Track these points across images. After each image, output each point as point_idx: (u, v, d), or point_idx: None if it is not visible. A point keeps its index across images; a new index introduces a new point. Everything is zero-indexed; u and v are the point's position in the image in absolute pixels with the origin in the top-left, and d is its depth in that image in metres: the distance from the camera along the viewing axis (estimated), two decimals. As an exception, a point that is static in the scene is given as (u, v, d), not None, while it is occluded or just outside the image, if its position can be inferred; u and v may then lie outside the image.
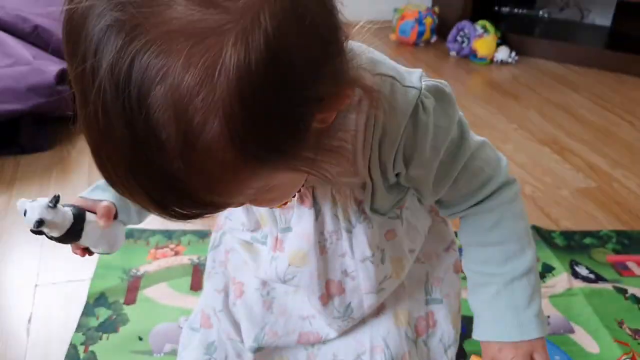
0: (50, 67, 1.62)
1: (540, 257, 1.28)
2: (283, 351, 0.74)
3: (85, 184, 1.47)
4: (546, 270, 1.24)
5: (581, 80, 2.36)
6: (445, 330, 0.74)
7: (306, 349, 0.74)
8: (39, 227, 0.59)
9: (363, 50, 0.51)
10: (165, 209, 0.40)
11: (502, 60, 2.48)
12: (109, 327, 1.07)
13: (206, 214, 0.42)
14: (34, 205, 0.60)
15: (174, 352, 1.01)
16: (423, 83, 0.53)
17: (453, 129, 0.56)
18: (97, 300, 1.13)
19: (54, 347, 1.02)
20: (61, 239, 0.63)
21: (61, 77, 1.60)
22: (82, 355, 1.01)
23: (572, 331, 1.09)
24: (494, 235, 0.61)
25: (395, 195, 0.61)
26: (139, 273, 1.20)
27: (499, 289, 0.61)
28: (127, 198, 0.40)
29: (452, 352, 0.75)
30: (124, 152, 0.36)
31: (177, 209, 0.40)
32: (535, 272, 0.61)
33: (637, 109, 2.11)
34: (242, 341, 0.73)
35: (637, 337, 1.08)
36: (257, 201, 0.51)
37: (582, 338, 1.08)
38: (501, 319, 0.62)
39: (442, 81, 0.56)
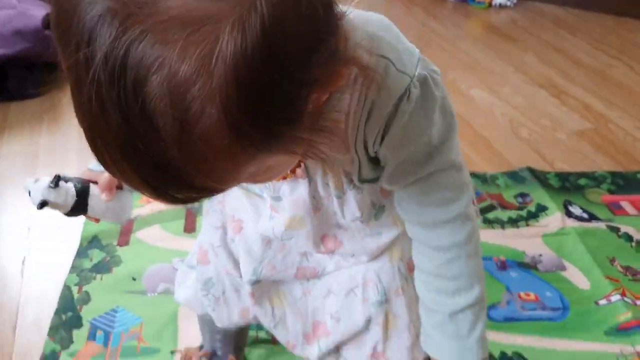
0: (36, 11, 1.58)
1: (534, 197, 1.28)
2: (280, 285, 0.76)
3: (76, 131, 1.45)
4: (539, 210, 1.24)
5: (580, 23, 2.31)
6: None
7: (302, 284, 0.75)
8: (42, 208, 0.60)
9: (361, 21, 0.50)
10: (161, 194, 0.40)
11: (500, 4, 2.42)
12: (103, 268, 1.07)
13: (202, 197, 0.42)
14: (36, 186, 0.60)
15: (168, 292, 1.01)
16: (417, 71, 0.53)
17: (430, 126, 0.56)
18: (90, 242, 1.13)
19: (48, 288, 1.03)
20: (68, 214, 0.64)
21: (48, 21, 1.56)
22: (76, 295, 1.02)
23: (564, 268, 1.10)
24: (447, 271, 0.63)
25: (381, 166, 0.61)
26: (131, 216, 1.20)
27: (444, 317, 0.63)
28: (123, 182, 0.40)
29: None
30: (119, 141, 0.36)
31: (172, 194, 0.40)
32: (481, 302, 0.63)
33: (635, 51, 2.08)
34: (240, 276, 0.74)
35: (627, 273, 1.09)
36: (252, 181, 0.52)
37: (574, 275, 1.09)
38: (444, 345, 0.65)
39: (436, 72, 0.56)
